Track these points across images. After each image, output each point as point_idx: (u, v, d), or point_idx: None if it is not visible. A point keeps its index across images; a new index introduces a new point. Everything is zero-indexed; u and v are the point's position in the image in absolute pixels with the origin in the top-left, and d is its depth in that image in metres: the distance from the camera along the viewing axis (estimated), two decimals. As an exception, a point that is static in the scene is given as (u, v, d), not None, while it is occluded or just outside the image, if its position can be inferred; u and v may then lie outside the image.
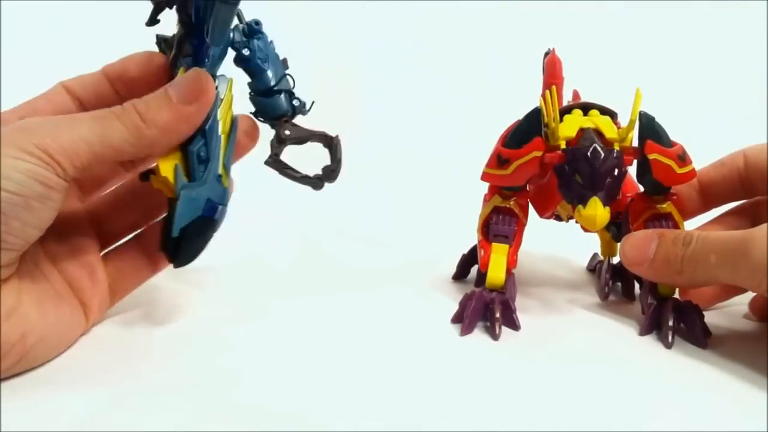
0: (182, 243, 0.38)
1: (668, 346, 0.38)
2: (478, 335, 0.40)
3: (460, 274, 0.49)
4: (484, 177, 0.43)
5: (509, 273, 0.42)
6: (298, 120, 0.42)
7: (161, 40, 0.40)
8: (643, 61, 0.53)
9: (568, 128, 0.41)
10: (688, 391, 0.35)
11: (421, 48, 0.86)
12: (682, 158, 0.41)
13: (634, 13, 0.85)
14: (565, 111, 0.42)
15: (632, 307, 0.45)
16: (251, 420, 0.31)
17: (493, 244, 0.43)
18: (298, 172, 0.41)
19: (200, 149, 0.38)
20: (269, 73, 0.41)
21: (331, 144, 0.42)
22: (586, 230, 0.44)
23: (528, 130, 0.41)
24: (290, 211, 0.60)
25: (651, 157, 0.40)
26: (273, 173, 0.41)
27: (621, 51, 0.49)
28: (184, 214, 0.37)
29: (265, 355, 0.37)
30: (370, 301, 0.45)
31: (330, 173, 0.41)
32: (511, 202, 0.44)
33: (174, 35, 0.39)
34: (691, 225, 0.45)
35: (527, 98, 0.43)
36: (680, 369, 0.37)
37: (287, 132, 0.41)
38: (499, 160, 0.42)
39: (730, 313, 0.44)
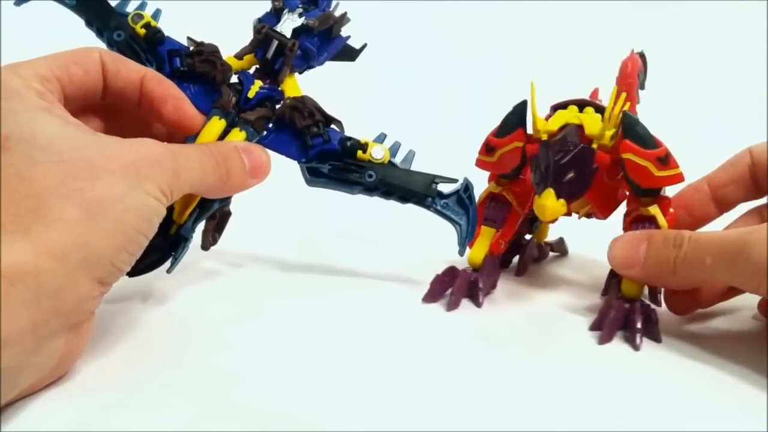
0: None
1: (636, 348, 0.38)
2: (477, 334, 0.40)
3: (502, 264, 0.50)
4: (477, 163, 0.46)
5: (490, 255, 0.45)
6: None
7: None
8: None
9: (555, 123, 0.42)
10: (688, 390, 0.34)
11: (420, 45, 0.86)
12: (663, 161, 0.40)
13: (636, 14, 0.82)
14: (561, 106, 0.43)
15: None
16: (251, 420, 0.31)
17: (482, 227, 0.46)
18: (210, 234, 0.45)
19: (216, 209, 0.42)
20: None
21: (224, 219, 0.45)
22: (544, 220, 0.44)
23: (513, 121, 0.43)
24: (290, 211, 0.59)
25: (624, 156, 0.41)
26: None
27: (625, 50, 0.47)
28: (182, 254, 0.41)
29: (266, 355, 0.37)
30: (370, 301, 0.44)
31: (213, 241, 0.45)
32: (504, 189, 0.46)
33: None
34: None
35: (527, 92, 0.44)
36: (680, 368, 0.36)
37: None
38: (487, 148, 0.45)
39: (730, 313, 0.43)
